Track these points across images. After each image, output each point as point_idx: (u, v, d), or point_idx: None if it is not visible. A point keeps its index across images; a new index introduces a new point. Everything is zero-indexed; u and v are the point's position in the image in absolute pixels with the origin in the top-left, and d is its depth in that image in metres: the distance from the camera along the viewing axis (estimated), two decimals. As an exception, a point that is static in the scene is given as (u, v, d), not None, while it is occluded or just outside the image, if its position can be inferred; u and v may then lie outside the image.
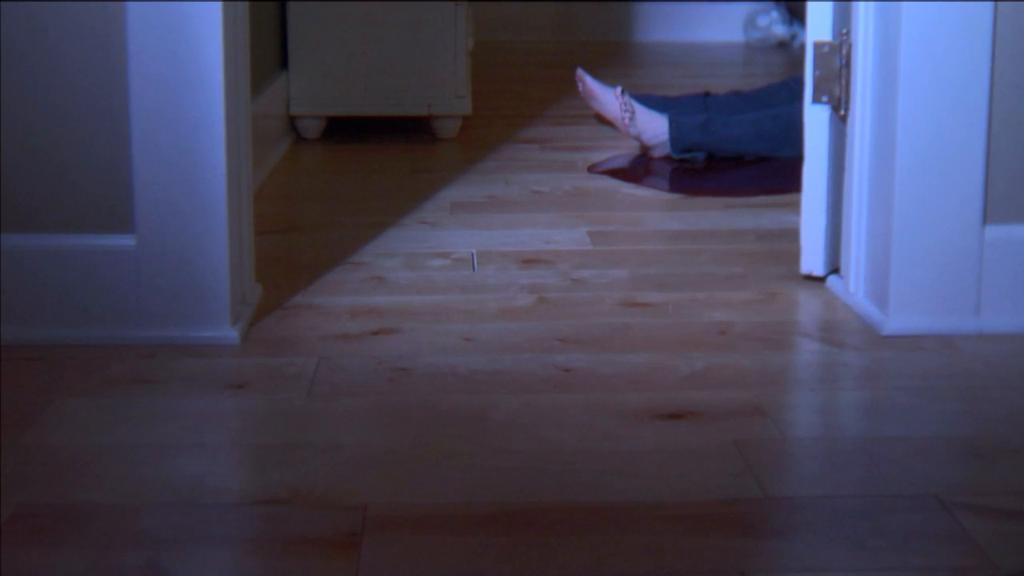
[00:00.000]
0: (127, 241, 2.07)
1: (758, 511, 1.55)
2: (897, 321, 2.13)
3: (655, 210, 2.96)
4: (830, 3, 2.32)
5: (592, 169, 3.35)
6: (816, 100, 2.33)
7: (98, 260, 2.06)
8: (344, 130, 3.81)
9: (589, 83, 3.56)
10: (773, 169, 3.30)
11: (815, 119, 2.36)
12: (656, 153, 3.43)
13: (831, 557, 1.44)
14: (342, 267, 2.49)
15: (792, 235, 2.51)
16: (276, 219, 2.85)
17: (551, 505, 1.56)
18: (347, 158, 3.52)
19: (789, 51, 5.87)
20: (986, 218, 2.12)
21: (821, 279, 2.39)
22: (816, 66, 2.32)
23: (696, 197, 3.06)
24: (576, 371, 1.98)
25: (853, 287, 2.26)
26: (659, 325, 2.18)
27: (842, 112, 2.30)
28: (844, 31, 2.28)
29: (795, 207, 2.53)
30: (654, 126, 3.41)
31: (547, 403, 1.86)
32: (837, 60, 2.29)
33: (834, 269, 2.39)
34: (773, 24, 6.02)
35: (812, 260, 2.40)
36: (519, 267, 2.50)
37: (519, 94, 4.63)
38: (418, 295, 2.33)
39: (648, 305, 2.28)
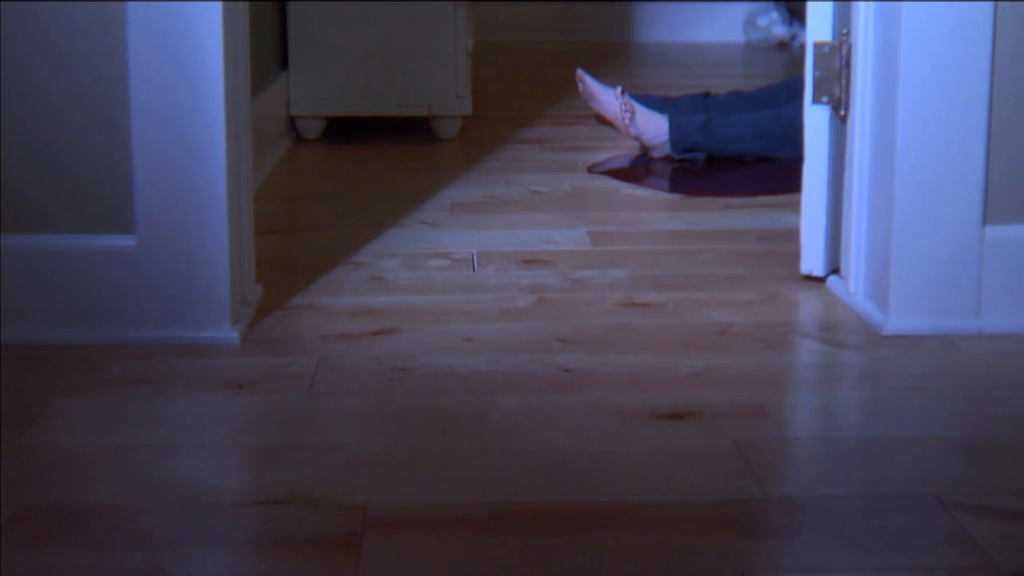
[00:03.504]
0: (127, 241, 2.07)
1: (758, 511, 1.55)
2: (897, 321, 2.13)
3: (655, 210, 2.96)
4: (830, 3, 2.32)
5: (592, 169, 3.35)
6: (816, 100, 2.33)
7: (98, 260, 2.06)
8: (344, 130, 3.81)
9: (589, 83, 3.56)
10: (773, 169, 3.30)
11: (815, 119, 2.36)
12: (656, 153, 3.43)
13: (831, 557, 1.44)
14: (342, 267, 2.49)
15: (792, 235, 2.51)
16: (276, 219, 2.86)
17: (551, 505, 1.56)
18: (347, 158, 3.52)
19: (789, 51, 5.87)
20: (986, 218, 2.12)
21: (821, 279, 2.39)
22: (816, 66, 2.32)
23: (696, 197, 3.06)
24: (576, 371, 1.98)
25: (853, 287, 2.26)
26: (659, 325, 2.18)
27: (842, 112, 2.30)
28: (844, 31, 2.28)
29: (795, 207, 2.53)
30: (654, 126, 3.41)
31: (547, 403, 1.86)
32: (837, 60, 2.29)
33: (834, 269, 2.39)
34: (773, 24, 6.02)
35: (812, 260, 2.40)
36: (519, 267, 2.50)
37: (519, 94, 4.63)
38: (418, 295, 2.33)
39: (648, 305, 2.28)
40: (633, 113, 3.43)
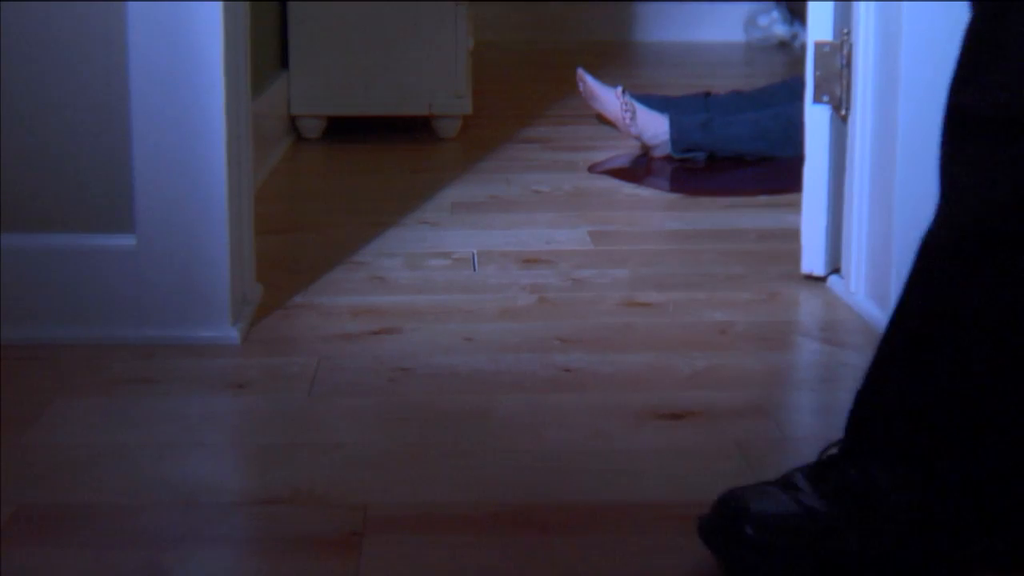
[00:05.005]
0: (127, 241, 2.07)
1: (759, 511, 1.55)
2: (898, 321, 2.12)
3: (656, 210, 2.96)
4: (831, 3, 2.32)
5: (593, 169, 3.35)
6: (817, 100, 2.33)
7: (98, 260, 2.06)
8: (344, 130, 3.80)
9: (590, 83, 3.56)
10: (774, 169, 3.30)
11: (816, 119, 2.36)
12: (657, 153, 3.43)
13: (832, 557, 1.44)
14: (342, 267, 2.49)
15: (792, 235, 2.51)
16: (276, 219, 2.85)
17: (552, 505, 1.56)
18: (347, 158, 3.52)
19: (789, 51, 5.87)
20: (987, 218, 2.12)
21: (822, 279, 2.39)
22: (817, 66, 2.31)
23: (697, 197, 3.06)
24: (577, 371, 1.98)
25: (854, 287, 2.26)
26: (660, 325, 2.18)
27: (843, 112, 2.30)
28: (845, 31, 2.28)
29: (795, 207, 2.53)
30: (655, 126, 3.41)
31: (548, 403, 1.86)
32: (838, 60, 2.29)
33: (835, 269, 2.39)
34: (774, 24, 6.02)
35: (813, 260, 2.40)
36: (520, 267, 2.50)
37: (519, 94, 4.63)
38: (419, 295, 2.33)
39: (649, 305, 2.28)
40: (634, 113, 3.43)
